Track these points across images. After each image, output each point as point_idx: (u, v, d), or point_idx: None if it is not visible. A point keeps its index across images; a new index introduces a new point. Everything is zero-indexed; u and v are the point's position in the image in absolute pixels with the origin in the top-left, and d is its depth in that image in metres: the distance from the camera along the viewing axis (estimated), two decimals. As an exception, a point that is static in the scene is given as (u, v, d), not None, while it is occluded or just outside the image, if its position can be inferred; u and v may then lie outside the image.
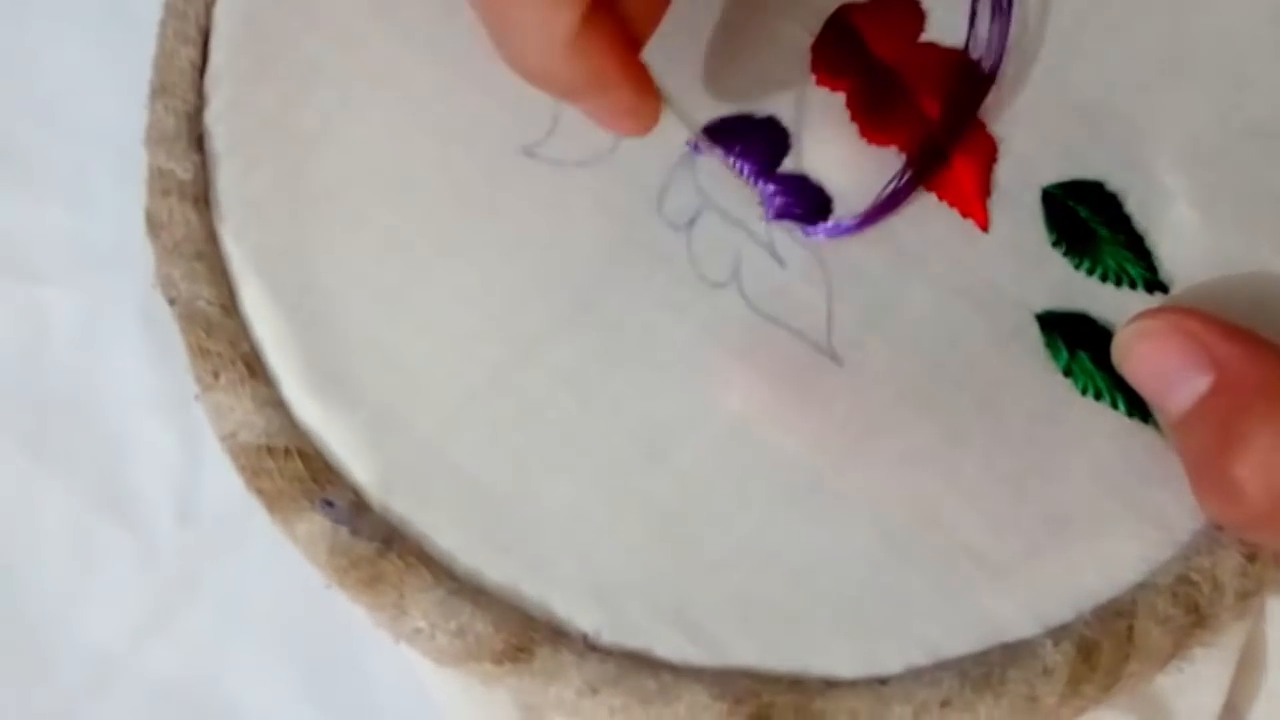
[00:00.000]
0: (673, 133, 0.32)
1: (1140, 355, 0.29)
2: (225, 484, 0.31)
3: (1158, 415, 0.29)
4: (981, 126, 0.32)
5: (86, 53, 0.43)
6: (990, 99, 0.32)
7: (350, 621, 0.31)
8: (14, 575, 0.38)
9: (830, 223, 0.31)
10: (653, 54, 0.33)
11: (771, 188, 0.32)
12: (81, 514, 0.39)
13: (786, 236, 0.32)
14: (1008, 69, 0.33)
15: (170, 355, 0.33)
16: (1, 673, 0.37)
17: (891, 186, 0.31)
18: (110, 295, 0.40)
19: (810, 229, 0.31)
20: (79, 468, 0.39)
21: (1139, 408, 0.30)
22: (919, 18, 0.33)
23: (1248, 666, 0.31)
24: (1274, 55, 0.33)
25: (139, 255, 0.33)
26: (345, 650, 0.37)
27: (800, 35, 0.33)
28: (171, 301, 0.32)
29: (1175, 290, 0.31)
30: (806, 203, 0.32)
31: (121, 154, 0.35)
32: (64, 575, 0.38)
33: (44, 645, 0.38)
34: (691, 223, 0.32)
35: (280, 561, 0.32)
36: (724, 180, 0.32)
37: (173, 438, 0.39)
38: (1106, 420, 0.30)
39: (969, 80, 0.32)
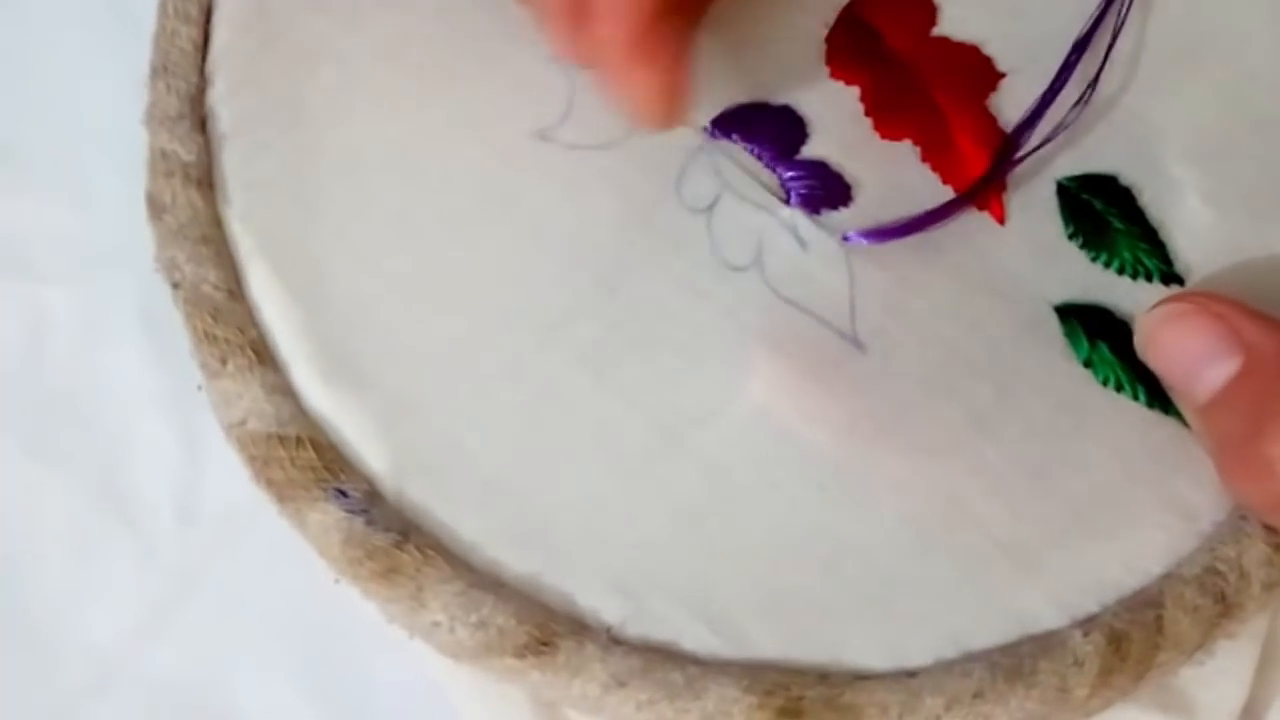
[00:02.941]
0: (690, 117, 0.32)
1: (1167, 338, 0.29)
2: (225, 483, 0.31)
3: (1181, 400, 0.29)
4: (994, 120, 0.32)
5: (86, 53, 0.42)
6: (1003, 94, 0.33)
7: (351, 621, 0.31)
8: (14, 575, 0.38)
9: (868, 229, 0.31)
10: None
11: (790, 173, 0.32)
12: (81, 514, 0.38)
13: (808, 220, 0.31)
14: (1021, 67, 0.33)
15: (170, 355, 0.32)
16: (1, 673, 0.37)
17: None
18: (110, 295, 0.40)
19: (851, 235, 0.31)
20: (79, 467, 0.38)
21: (1159, 399, 0.30)
22: (932, 12, 0.34)
23: (1268, 662, 0.31)
24: (1275, 49, 0.33)
25: (139, 255, 0.32)
26: (346, 650, 0.37)
27: (815, 28, 0.33)
28: (175, 285, 0.31)
29: (1191, 282, 0.31)
30: (826, 189, 0.32)
31: (122, 152, 0.34)
32: (64, 575, 0.38)
33: (44, 645, 0.37)
34: (711, 207, 0.32)
35: (281, 561, 0.32)
36: (744, 165, 0.32)
37: (173, 437, 0.39)
38: (1128, 411, 0.30)
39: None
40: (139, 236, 0.32)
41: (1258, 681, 0.31)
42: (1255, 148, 0.32)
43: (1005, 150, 0.32)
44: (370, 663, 0.36)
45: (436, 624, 0.28)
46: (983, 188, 0.32)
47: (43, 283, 0.40)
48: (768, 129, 0.32)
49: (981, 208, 0.32)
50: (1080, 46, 0.32)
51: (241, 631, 0.37)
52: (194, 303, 0.31)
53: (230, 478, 0.31)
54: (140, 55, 0.34)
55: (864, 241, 0.31)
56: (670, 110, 0.29)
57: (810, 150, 0.32)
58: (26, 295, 0.40)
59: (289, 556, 0.30)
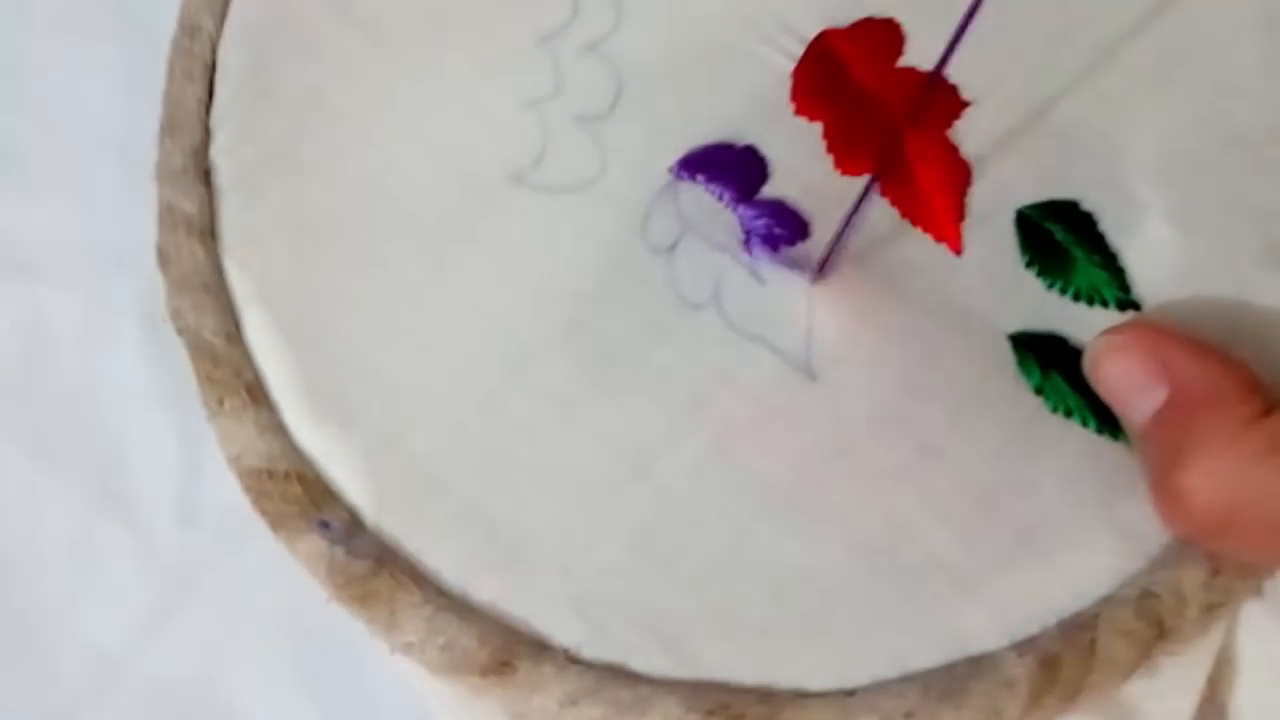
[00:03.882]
0: (656, 159, 0.33)
1: (1106, 368, 0.29)
2: (225, 485, 0.32)
3: (1125, 427, 0.30)
4: (955, 150, 0.32)
5: (86, 53, 0.43)
6: (965, 121, 0.32)
7: (349, 623, 0.32)
8: (14, 575, 0.38)
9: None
10: (634, 80, 0.33)
11: (750, 213, 0.32)
12: (81, 514, 0.39)
13: (767, 259, 0.32)
14: (986, 95, 0.33)
15: (170, 356, 0.33)
16: (1, 673, 0.38)
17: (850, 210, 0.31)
18: (110, 295, 0.40)
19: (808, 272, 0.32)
20: (79, 468, 0.39)
21: (1109, 425, 0.30)
22: (899, 40, 0.33)
23: (1222, 671, 0.31)
24: (1255, 63, 0.33)
25: (139, 255, 0.33)
26: (344, 650, 0.37)
27: (781, 61, 0.34)
28: (181, 333, 0.33)
29: (1149, 307, 0.31)
30: (784, 227, 0.32)
31: (121, 154, 0.35)
32: (64, 575, 0.38)
33: (44, 645, 0.38)
34: (673, 247, 0.32)
35: (280, 561, 0.32)
36: (706, 205, 0.33)
37: (173, 438, 0.39)
38: (1077, 437, 0.30)
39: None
40: (139, 238, 0.33)
41: (1214, 690, 0.31)
42: (1227, 167, 0.32)
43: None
44: (367, 663, 0.37)
45: (410, 644, 0.29)
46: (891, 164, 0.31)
47: (43, 283, 0.40)
48: (731, 169, 0.33)
49: (939, 239, 0.32)
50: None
51: (241, 632, 0.37)
52: (196, 349, 0.32)
53: (229, 480, 0.31)
54: (141, 57, 0.35)
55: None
56: None
57: (771, 189, 0.33)
58: (26, 296, 0.40)
59: (288, 558, 0.31)
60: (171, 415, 0.39)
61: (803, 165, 0.33)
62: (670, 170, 0.33)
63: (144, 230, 0.33)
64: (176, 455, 0.39)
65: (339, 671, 0.37)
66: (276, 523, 0.31)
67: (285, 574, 0.34)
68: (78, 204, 0.41)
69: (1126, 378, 0.29)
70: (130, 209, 0.34)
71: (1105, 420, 0.30)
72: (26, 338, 0.40)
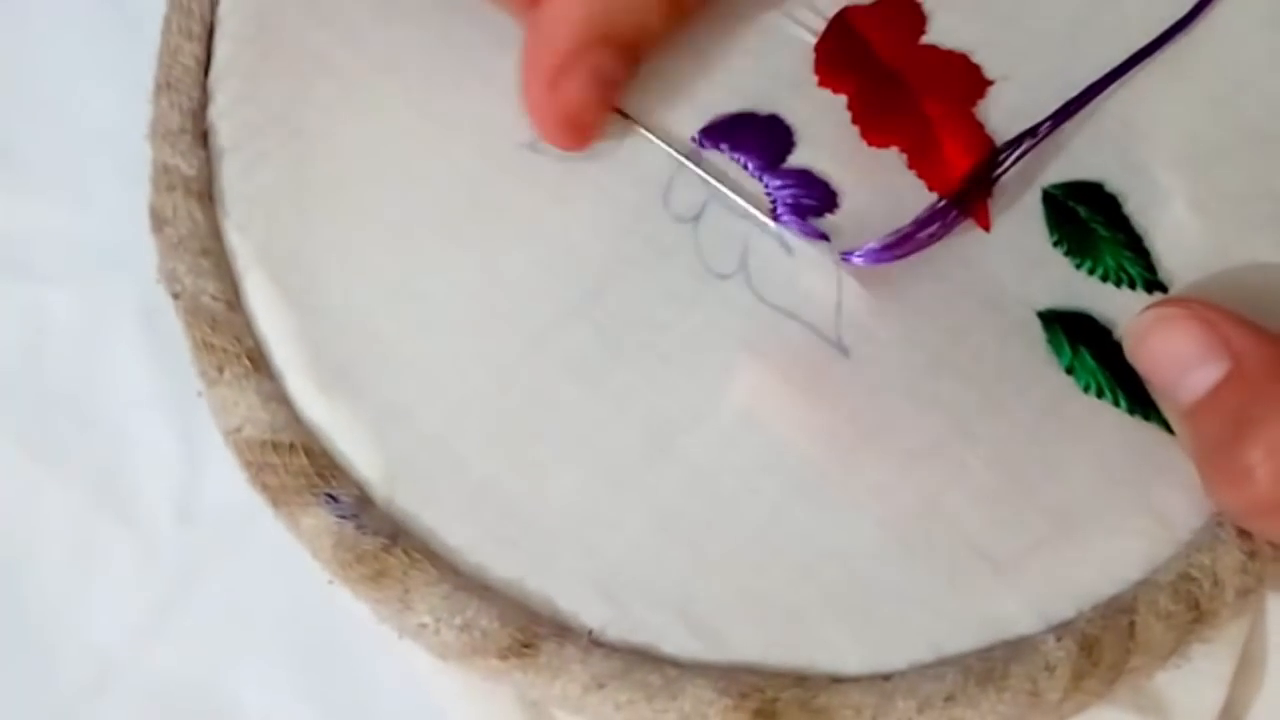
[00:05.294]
0: (678, 126, 0.32)
1: (1155, 341, 0.29)
2: (225, 484, 0.31)
3: (1165, 404, 0.29)
4: (981, 127, 0.33)
5: (86, 53, 0.43)
6: (990, 100, 0.33)
7: (351, 621, 0.31)
8: (14, 575, 0.38)
9: (865, 249, 0.31)
10: (658, 50, 0.33)
11: (777, 182, 0.32)
12: (81, 514, 0.39)
13: (796, 230, 0.32)
14: (1010, 70, 0.33)
15: (170, 355, 0.33)
16: (1, 673, 0.37)
17: (926, 217, 0.31)
18: (110, 295, 0.40)
19: (847, 255, 0.31)
20: (79, 468, 0.39)
21: (1140, 405, 0.30)
22: (921, 20, 0.34)
23: (1248, 665, 0.31)
24: (1271, 58, 0.33)
25: (139, 255, 0.33)
26: (345, 650, 0.37)
27: (804, 35, 0.34)
28: (175, 296, 0.32)
29: (1175, 289, 0.31)
30: (812, 197, 0.32)
31: (122, 153, 0.35)
32: (64, 575, 0.38)
33: (44, 645, 0.38)
34: (698, 216, 0.32)
35: (280, 561, 0.32)
36: (731, 174, 0.32)
37: (173, 437, 0.39)
38: (1108, 417, 0.30)
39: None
40: (139, 238, 0.33)
41: (1238, 684, 0.31)
42: (1245, 156, 0.32)
43: (991, 163, 0.32)
44: (369, 663, 0.37)
45: (423, 625, 0.28)
46: (972, 197, 0.32)
47: (43, 283, 0.40)
48: (755, 138, 0.32)
49: (968, 215, 0.32)
50: (1103, 83, 0.33)
51: (241, 631, 0.37)
52: (193, 313, 0.31)
53: (230, 478, 0.31)
54: (140, 56, 0.35)
55: (861, 262, 0.31)
56: (569, 142, 0.31)
57: (797, 159, 0.32)
58: (26, 295, 0.40)
59: (288, 557, 0.30)
60: (171, 415, 0.39)
61: (827, 137, 0.32)
62: (693, 139, 0.33)
63: (144, 230, 0.33)
64: (176, 455, 0.39)
65: (339, 671, 0.37)
66: (279, 498, 0.30)
67: (285, 574, 0.34)
68: (78, 204, 0.41)
69: (1181, 350, 0.28)
70: (131, 208, 0.33)
71: (1136, 400, 0.30)
72: (26, 337, 0.40)
